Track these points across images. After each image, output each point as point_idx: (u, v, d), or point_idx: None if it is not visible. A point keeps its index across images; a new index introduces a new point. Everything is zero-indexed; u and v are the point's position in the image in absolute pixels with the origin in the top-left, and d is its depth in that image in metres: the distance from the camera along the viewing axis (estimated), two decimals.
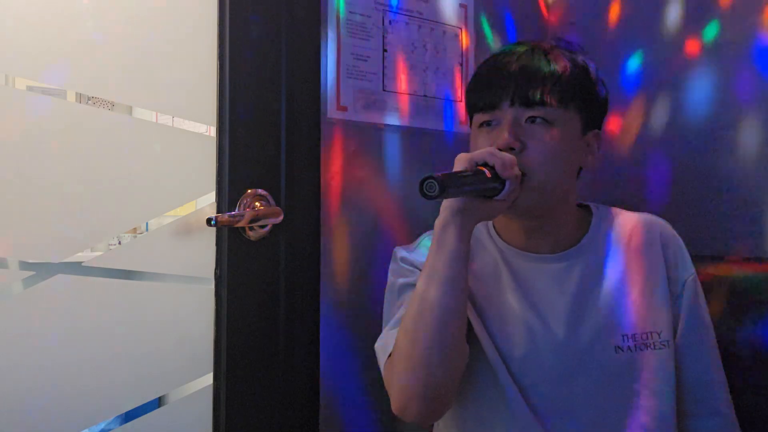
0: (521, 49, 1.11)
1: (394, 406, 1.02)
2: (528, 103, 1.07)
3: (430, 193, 0.90)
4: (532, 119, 1.07)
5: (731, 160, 1.51)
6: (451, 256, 0.99)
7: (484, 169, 0.98)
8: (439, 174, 0.91)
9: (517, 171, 1.01)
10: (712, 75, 1.54)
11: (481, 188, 0.98)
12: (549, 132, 1.06)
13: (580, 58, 1.13)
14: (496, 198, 1.00)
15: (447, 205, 1.00)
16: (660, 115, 1.63)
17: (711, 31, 1.55)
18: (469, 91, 1.15)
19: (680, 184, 1.58)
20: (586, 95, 1.11)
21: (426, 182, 0.90)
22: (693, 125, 1.57)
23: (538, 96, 1.06)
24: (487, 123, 1.10)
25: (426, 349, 0.97)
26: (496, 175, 0.98)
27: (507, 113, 1.07)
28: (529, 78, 1.07)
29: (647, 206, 1.60)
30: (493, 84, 1.09)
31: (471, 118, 1.15)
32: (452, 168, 1.00)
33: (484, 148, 1.02)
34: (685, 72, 1.59)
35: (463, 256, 0.99)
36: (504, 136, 1.05)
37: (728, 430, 1.13)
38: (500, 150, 1.03)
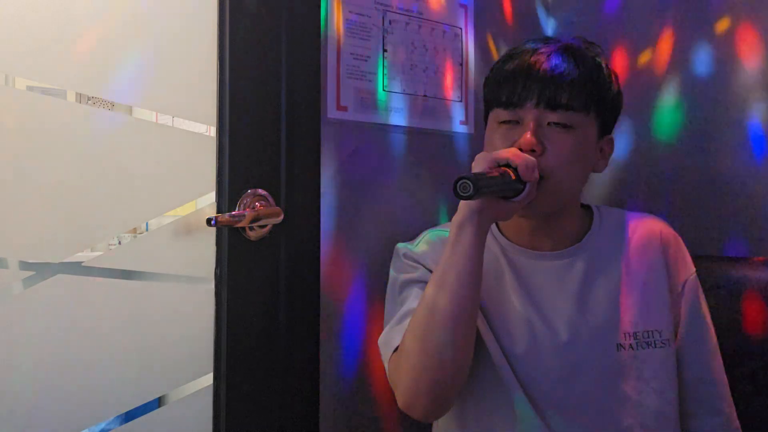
0: (550, 47, 1.09)
1: (401, 402, 1.02)
2: (553, 106, 1.06)
3: (464, 194, 0.92)
4: (555, 122, 1.06)
5: (731, 160, 1.51)
6: (467, 254, 0.99)
7: (508, 170, 0.99)
8: (471, 174, 0.93)
9: (537, 174, 1.01)
10: (711, 75, 1.55)
11: (506, 189, 0.99)
12: (569, 136, 1.06)
13: (604, 63, 1.12)
14: (514, 199, 1.01)
15: (465, 204, 1.00)
16: (659, 115, 1.63)
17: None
18: (492, 84, 1.12)
19: (680, 184, 1.58)
20: (607, 102, 1.11)
21: (460, 182, 0.92)
22: (692, 125, 1.57)
23: (565, 100, 1.06)
24: (507, 120, 1.09)
25: (436, 347, 0.97)
26: (518, 177, 0.99)
27: (530, 113, 1.06)
28: (558, 81, 1.06)
29: (647, 206, 1.61)
30: (519, 82, 1.07)
31: (488, 111, 1.14)
32: (470, 167, 1.02)
33: (507, 149, 1.03)
34: (685, 72, 1.59)
35: (479, 255, 1.00)
36: (527, 137, 1.05)
37: (729, 429, 1.13)
38: (521, 151, 1.03)
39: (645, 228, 1.17)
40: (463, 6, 1.63)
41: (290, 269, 1.27)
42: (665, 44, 1.62)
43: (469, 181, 0.92)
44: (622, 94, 1.15)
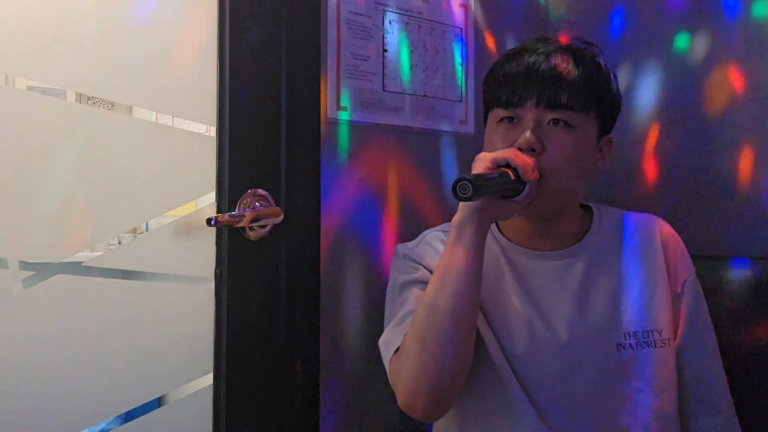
0: (549, 48, 1.09)
1: (401, 402, 1.02)
2: (553, 106, 1.06)
3: (463, 195, 0.92)
4: (554, 121, 1.06)
5: (731, 160, 1.51)
6: (467, 254, 0.99)
7: (508, 170, 0.99)
8: (471, 176, 0.93)
9: (536, 174, 1.01)
10: (711, 76, 1.55)
11: (505, 189, 0.99)
12: (569, 136, 1.06)
13: (603, 63, 1.12)
14: (514, 199, 1.01)
15: (465, 204, 1.00)
16: (660, 115, 1.63)
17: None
18: (492, 85, 1.12)
19: (680, 184, 1.58)
20: (606, 102, 1.11)
21: (459, 184, 0.92)
22: (693, 125, 1.57)
23: (565, 99, 1.05)
24: (508, 119, 1.09)
25: (437, 347, 0.97)
26: (518, 177, 0.99)
27: (530, 113, 1.06)
28: (558, 80, 1.06)
29: (647, 206, 1.61)
30: (519, 82, 1.07)
31: (487, 110, 1.14)
32: (471, 167, 1.01)
33: (507, 149, 1.03)
34: (685, 73, 1.59)
35: (479, 254, 1.00)
36: (526, 136, 1.04)
37: (728, 429, 1.13)
38: (520, 150, 1.03)
39: (645, 228, 1.17)
40: (463, 6, 1.63)
41: (290, 269, 1.28)
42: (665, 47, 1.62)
43: (468, 183, 0.92)
44: (621, 94, 1.16)
